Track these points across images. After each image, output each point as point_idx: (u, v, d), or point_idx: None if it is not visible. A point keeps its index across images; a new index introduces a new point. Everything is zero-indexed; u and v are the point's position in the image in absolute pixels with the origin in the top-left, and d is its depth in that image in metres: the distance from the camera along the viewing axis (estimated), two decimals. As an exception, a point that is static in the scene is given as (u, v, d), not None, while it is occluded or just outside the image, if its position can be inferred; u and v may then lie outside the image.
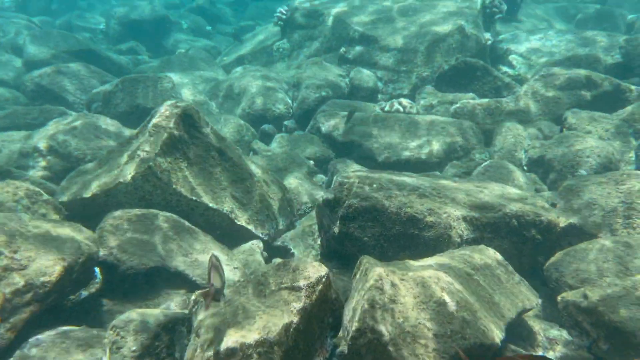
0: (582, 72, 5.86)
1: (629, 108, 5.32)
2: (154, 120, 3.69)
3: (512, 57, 7.76)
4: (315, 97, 6.80)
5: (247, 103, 6.75)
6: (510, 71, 7.63)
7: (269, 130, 6.58)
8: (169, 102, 3.82)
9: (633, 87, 5.77)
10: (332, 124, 6.02)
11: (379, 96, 7.29)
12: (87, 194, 3.50)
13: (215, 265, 2.38)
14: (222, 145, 4.07)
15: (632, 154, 4.67)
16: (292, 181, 5.11)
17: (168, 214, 3.57)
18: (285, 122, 6.75)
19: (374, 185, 3.88)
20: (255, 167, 4.45)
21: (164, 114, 3.73)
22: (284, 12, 8.39)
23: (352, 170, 4.29)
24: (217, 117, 6.17)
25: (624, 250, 3.13)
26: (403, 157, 5.43)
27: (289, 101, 7.00)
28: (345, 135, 5.85)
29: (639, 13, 9.14)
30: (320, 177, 5.65)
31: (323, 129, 6.04)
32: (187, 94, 6.63)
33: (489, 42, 7.36)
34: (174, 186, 3.65)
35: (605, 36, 7.55)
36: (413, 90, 7.04)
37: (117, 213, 3.35)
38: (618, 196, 3.59)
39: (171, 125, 3.67)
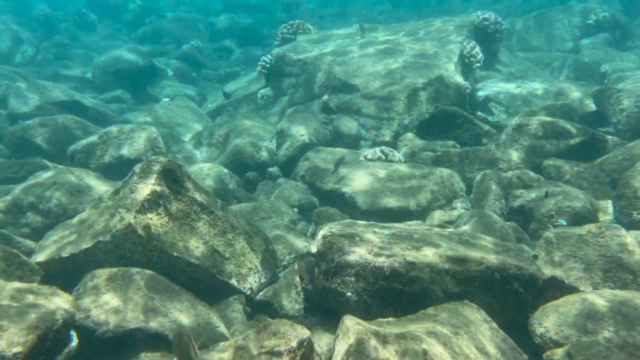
0: (558, 121, 6.04)
1: (604, 157, 5.46)
2: (135, 177, 3.68)
3: (491, 105, 7.99)
4: (299, 144, 6.87)
5: (230, 150, 6.79)
6: (489, 118, 7.82)
7: (252, 178, 6.60)
8: (151, 158, 3.82)
9: (608, 136, 5.95)
10: (315, 172, 6.06)
11: (362, 142, 7.40)
12: (65, 254, 3.44)
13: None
14: (204, 198, 4.06)
15: (609, 204, 4.76)
16: (275, 231, 5.09)
17: (148, 272, 3.51)
18: (269, 169, 6.78)
19: (356, 239, 3.87)
20: (237, 219, 4.42)
21: (145, 170, 3.72)
22: (268, 60, 8.58)
23: (335, 222, 4.29)
24: (200, 166, 6.18)
25: (606, 305, 3.14)
26: (387, 205, 5.45)
27: (273, 148, 7.06)
28: (329, 184, 5.89)
29: (612, 63, 9.53)
30: (304, 225, 5.65)
31: (306, 177, 6.08)
32: (170, 144, 6.65)
33: (468, 91, 7.57)
34: (154, 243, 3.60)
35: (579, 85, 7.83)
36: (395, 137, 7.17)
37: (96, 272, 3.28)
38: (597, 249, 3.63)
39: (152, 181, 3.66)
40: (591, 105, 7.06)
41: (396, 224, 4.63)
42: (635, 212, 4.23)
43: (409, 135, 7.03)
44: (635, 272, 3.41)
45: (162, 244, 3.60)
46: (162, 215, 3.70)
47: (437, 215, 5.23)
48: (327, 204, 5.87)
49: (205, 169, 6.03)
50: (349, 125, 7.34)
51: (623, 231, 3.67)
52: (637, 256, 3.48)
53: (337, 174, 6.05)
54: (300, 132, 7.02)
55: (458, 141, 6.79)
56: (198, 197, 4.00)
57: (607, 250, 3.58)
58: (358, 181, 5.79)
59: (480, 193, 5.51)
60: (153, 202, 3.66)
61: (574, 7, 12.18)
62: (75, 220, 3.93)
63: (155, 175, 3.73)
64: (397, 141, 7.08)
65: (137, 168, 3.87)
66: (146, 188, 3.64)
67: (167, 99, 8.66)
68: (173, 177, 3.79)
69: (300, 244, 4.93)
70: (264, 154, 6.85)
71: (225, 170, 6.20)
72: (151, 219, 3.62)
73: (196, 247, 3.75)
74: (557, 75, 10.09)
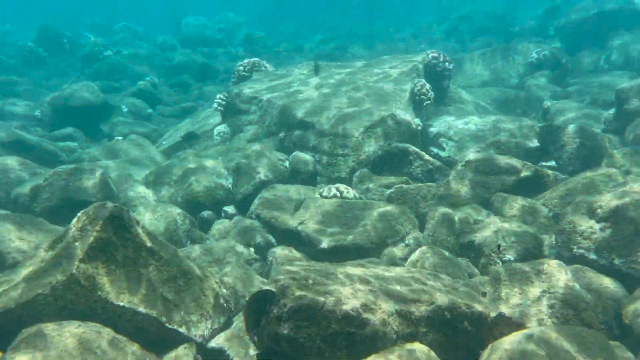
0: (504, 157, 6.30)
1: (547, 192, 5.72)
2: (79, 224, 3.56)
3: (441, 140, 8.25)
4: (255, 182, 6.86)
5: (185, 189, 6.70)
6: (441, 154, 8.07)
7: (208, 217, 6.51)
8: (96, 204, 3.72)
9: (550, 172, 6.25)
10: (271, 210, 6.04)
11: (319, 178, 7.46)
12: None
13: None
14: (153, 243, 3.97)
15: (552, 239, 4.96)
16: (229, 273, 5.00)
17: (91, 324, 3.36)
18: (225, 208, 6.71)
19: (309, 281, 3.86)
20: (189, 262, 4.33)
21: (90, 216, 3.62)
22: (224, 97, 8.61)
23: (289, 265, 4.27)
24: (153, 207, 6.05)
25: (549, 342, 3.23)
26: (342, 243, 5.47)
27: (229, 186, 7.01)
28: (285, 222, 5.87)
29: (554, 100, 10.10)
30: (260, 266, 5.58)
31: (262, 215, 6.05)
32: (122, 183, 6.50)
33: (419, 127, 7.81)
34: (99, 293, 3.47)
35: (524, 121, 8.23)
36: (351, 174, 7.27)
37: (32, 329, 3.11)
38: (541, 285, 3.76)
39: (97, 228, 3.55)
40: (534, 141, 7.41)
41: (349, 264, 4.65)
42: (575, 247, 4.42)
43: (364, 171, 7.15)
44: (575, 307, 3.54)
45: (107, 294, 3.48)
46: (108, 264, 3.58)
47: (391, 253, 5.29)
48: (284, 243, 5.84)
49: (157, 210, 5.90)
50: (305, 162, 7.40)
51: (563, 266, 3.82)
52: (575, 291, 3.62)
53: (294, 211, 6.06)
54: (257, 169, 7.02)
55: (411, 177, 6.95)
56: (147, 242, 3.91)
57: (549, 286, 3.71)
58: (313, 219, 5.81)
59: (432, 229, 5.63)
60: (98, 250, 3.54)
61: (518, 45, 12.91)
62: (14, 270, 3.74)
63: (101, 222, 3.62)
64: (353, 177, 7.19)
65: (81, 213, 3.75)
66: (90, 235, 3.52)
67: (119, 137, 8.51)
68: (120, 223, 3.69)
69: (255, 284, 4.86)
70: (220, 193, 6.79)
71: (179, 210, 6.10)
72: (96, 267, 3.49)
73: (144, 295, 3.64)
74: (505, 111, 10.56)
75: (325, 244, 5.41)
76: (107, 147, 8.02)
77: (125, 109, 10.33)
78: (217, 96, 8.67)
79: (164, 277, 3.88)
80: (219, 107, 8.60)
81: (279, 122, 8.10)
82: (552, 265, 3.86)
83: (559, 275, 3.82)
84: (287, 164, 7.41)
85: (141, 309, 3.62)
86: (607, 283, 4.00)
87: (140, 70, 14.03)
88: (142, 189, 6.64)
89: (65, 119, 9.33)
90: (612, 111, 7.82)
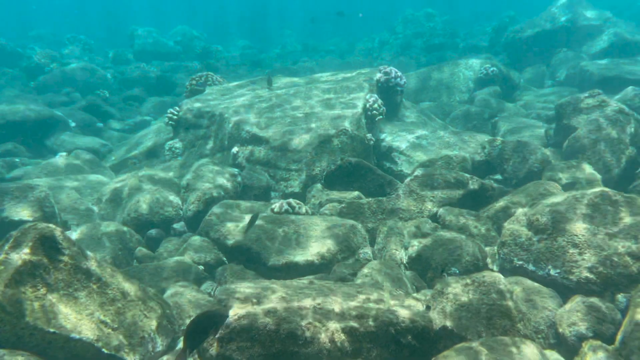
0: (451, 172, 6.45)
1: (491, 205, 5.88)
2: (6, 246, 3.38)
3: (394, 155, 8.38)
4: (206, 198, 6.74)
5: (132, 207, 6.50)
6: (393, 167, 8.19)
7: (156, 235, 6.33)
8: (26, 225, 3.55)
9: (495, 185, 6.44)
10: (222, 227, 5.94)
11: (272, 194, 7.42)
12: None
13: None
14: (90, 264, 3.81)
15: (495, 251, 5.08)
16: (176, 292, 4.87)
17: (18, 353, 3.18)
18: (174, 225, 6.56)
19: (254, 300, 3.80)
20: (129, 284, 4.18)
21: (19, 238, 3.44)
22: (175, 112, 8.47)
23: (234, 283, 4.20)
24: (96, 225, 5.84)
25: (488, 355, 3.29)
26: (293, 260, 5.43)
27: (179, 203, 6.86)
28: (235, 240, 5.78)
29: (500, 114, 10.46)
30: (209, 284, 5.46)
31: (211, 233, 5.94)
32: (65, 201, 6.25)
33: (372, 142, 7.91)
34: (27, 319, 3.29)
35: (472, 135, 8.47)
36: (304, 188, 7.27)
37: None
38: (480, 298, 3.83)
39: (26, 250, 3.39)
40: (482, 155, 7.63)
41: (296, 281, 4.62)
42: (515, 259, 4.55)
43: (317, 186, 7.17)
44: (512, 319, 3.63)
45: (36, 320, 3.30)
46: (38, 288, 3.41)
47: (340, 268, 5.29)
48: (235, 260, 5.74)
49: (101, 228, 5.70)
50: (258, 177, 7.34)
51: (502, 279, 3.91)
52: (513, 302, 3.72)
53: (247, 228, 5.96)
54: (208, 185, 6.91)
55: (363, 191, 7.01)
56: (83, 264, 3.75)
57: (488, 298, 3.79)
58: (264, 235, 5.75)
59: (382, 243, 5.68)
60: (26, 274, 3.37)
61: (468, 61, 13.33)
62: None
63: (30, 244, 3.45)
64: (306, 192, 7.18)
65: (10, 236, 3.57)
66: (18, 258, 3.35)
67: (64, 153, 8.20)
68: (52, 245, 3.53)
69: (202, 305, 4.74)
70: (169, 209, 6.63)
71: (125, 229, 5.91)
72: (24, 292, 3.32)
73: (78, 319, 3.48)
74: (455, 125, 10.85)
75: (273, 260, 5.35)
76: (50, 163, 7.70)
77: (72, 124, 9.98)
78: (169, 111, 8.52)
79: (101, 301, 3.73)
80: (170, 122, 8.44)
81: (231, 137, 8.02)
82: (491, 278, 3.95)
83: (496, 287, 3.91)
84: (239, 179, 7.33)
85: (75, 334, 3.46)
86: (544, 293, 4.13)
87: (91, 84, 13.62)
88: (86, 206, 6.40)
89: (4, 135, 8.91)
90: (553, 125, 8.16)
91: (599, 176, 5.97)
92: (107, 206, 6.67)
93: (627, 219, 4.16)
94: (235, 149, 7.88)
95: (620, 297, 3.79)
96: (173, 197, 6.83)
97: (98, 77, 14.06)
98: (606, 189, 4.48)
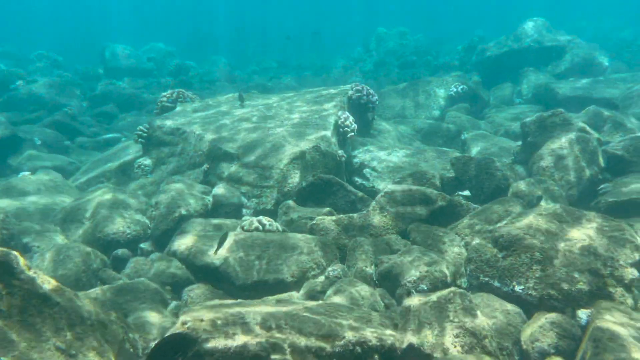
0: (420, 188, 6.52)
1: (459, 222, 5.96)
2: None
3: (365, 171, 8.45)
4: (175, 217, 6.65)
5: (98, 226, 6.35)
6: (365, 184, 8.25)
7: (122, 255, 6.19)
8: (-19, 249, 3.43)
9: (463, 201, 6.53)
10: (190, 246, 5.85)
11: (244, 211, 7.36)
12: None
13: None
14: (47, 289, 3.69)
15: (463, 268, 5.13)
16: (141, 314, 4.76)
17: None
18: (141, 245, 6.43)
19: (218, 322, 3.74)
20: (90, 307, 4.07)
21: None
22: (145, 129, 8.37)
23: (199, 305, 4.13)
24: (58, 247, 5.68)
25: (453, 373, 3.30)
26: (262, 278, 5.38)
27: (147, 222, 6.74)
28: (202, 258, 5.70)
29: (469, 130, 10.67)
30: (176, 305, 5.35)
31: (179, 252, 5.84)
32: (26, 223, 6.06)
33: (343, 159, 7.95)
34: (-22, 347, 3.16)
35: (442, 152, 8.61)
36: (276, 205, 7.24)
37: None
38: (447, 315, 3.86)
39: (-21, 275, 3.26)
40: (451, 172, 7.75)
41: (264, 300, 4.58)
42: (481, 275, 4.60)
43: (289, 202, 7.15)
44: (477, 336, 3.66)
45: (-12, 348, 3.17)
46: (-9, 314, 3.28)
47: (310, 286, 5.26)
48: (203, 280, 5.65)
49: (64, 250, 5.54)
50: (229, 194, 7.29)
51: (468, 296, 3.95)
52: (479, 319, 3.75)
53: (218, 247, 5.89)
54: (177, 203, 6.82)
55: (335, 207, 7.03)
56: (39, 288, 3.63)
57: (454, 315, 3.81)
58: (233, 254, 5.68)
59: (352, 260, 5.68)
60: (-21, 300, 3.24)
61: (439, 79, 13.62)
62: None
63: (-16, 269, 3.33)
64: (278, 209, 7.15)
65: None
66: (-30, 284, 3.22)
67: (26, 172, 7.97)
68: (4, 269, 3.41)
69: (168, 326, 4.64)
70: (137, 229, 6.50)
71: (88, 249, 5.76)
72: (-25, 319, 3.19)
73: (31, 347, 3.35)
74: (427, 142, 11.02)
75: (241, 280, 5.29)
76: (11, 183, 7.46)
77: (38, 142, 9.74)
78: (138, 128, 8.42)
79: (59, 326, 3.61)
80: (139, 140, 8.33)
81: (202, 154, 7.97)
82: (458, 295, 3.99)
83: (462, 303, 3.94)
84: (210, 196, 7.26)
85: (30, 362, 3.33)
86: (509, 309, 4.18)
87: (59, 101, 13.37)
88: (48, 227, 6.22)
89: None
90: (520, 143, 8.36)
91: (562, 193, 6.12)
92: (71, 226, 6.50)
93: (586, 236, 4.26)
94: (206, 166, 7.83)
95: (580, 313, 3.87)
96: (140, 216, 6.71)
97: (67, 94, 13.80)
98: (565, 207, 4.59)
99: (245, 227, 6.25)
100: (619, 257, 4.07)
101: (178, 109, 9.41)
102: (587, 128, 6.91)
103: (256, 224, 6.23)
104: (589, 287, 3.97)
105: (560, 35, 15.94)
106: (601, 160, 6.63)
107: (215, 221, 6.71)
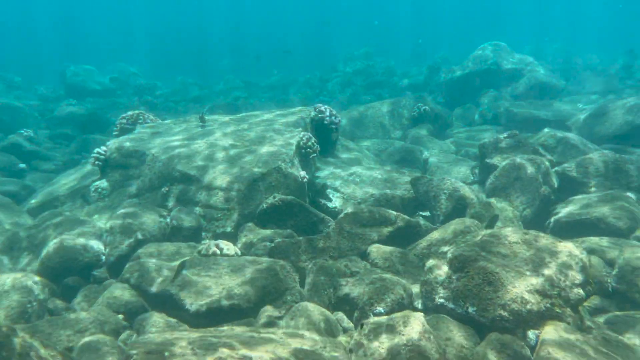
0: (380, 209, 6.55)
1: (417, 243, 6.00)
2: None
3: (329, 192, 8.44)
4: (130, 242, 6.48)
5: (47, 254, 6.10)
6: (329, 205, 8.24)
7: (73, 284, 5.96)
8: None
9: (422, 222, 6.60)
10: (146, 273, 5.68)
11: (204, 234, 7.23)
12: None
13: None
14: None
15: (418, 289, 5.14)
16: (88, 346, 4.55)
17: None
18: (95, 272, 6.21)
19: (165, 354, 3.62)
20: (33, 342, 3.87)
21: None
22: (102, 151, 8.18)
23: (147, 336, 3.99)
24: (3, 278, 5.41)
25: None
26: (218, 305, 5.25)
27: (101, 247, 6.53)
28: (158, 286, 5.54)
29: (431, 151, 10.84)
30: (127, 335, 5.16)
31: (132, 280, 5.67)
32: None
33: (305, 180, 7.94)
34: None
35: (404, 173, 8.70)
36: (236, 228, 7.15)
37: None
38: (401, 338, 3.83)
39: None
40: (411, 192, 7.83)
41: (220, 329, 4.47)
42: (436, 297, 4.61)
43: (249, 225, 7.07)
44: (429, 358, 3.64)
45: None
46: None
47: (267, 312, 5.16)
48: (156, 308, 5.48)
49: (7, 282, 5.28)
50: (187, 217, 7.15)
51: (419, 318, 3.95)
52: (429, 343, 3.75)
53: (176, 275, 5.74)
54: (133, 227, 6.65)
55: (296, 229, 6.98)
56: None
57: (408, 338, 3.80)
58: (190, 280, 5.54)
59: (311, 284, 5.62)
60: None
61: (402, 100, 13.86)
62: None
63: None
64: (238, 232, 7.05)
65: None
66: None
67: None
68: None
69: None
70: (88, 255, 6.28)
71: (36, 279, 5.52)
72: None
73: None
74: (390, 162, 11.14)
75: (196, 307, 5.15)
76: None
77: (-12, 166, 9.39)
78: (95, 150, 8.22)
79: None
80: (96, 162, 8.13)
81: (161, 177, 7.82)
82: (411, 318, 3.98)
83: (416, 327, 3.94)
84: (168, 220, 7.11)
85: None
86: (463, 331, 4.19)
87: (15, 123, 12.94)
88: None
89: None
90: (478, 163, 8.54)
91: (517, 213, 6.25)
92: (18, 254, 6.23)
93: (531, 255, 4.34)
94: (165, 189, 7.68)
95: (530, 333, 3.92)
96: (94, 242, 6.50)
97: (23, 116, 13.38)
98: (517, 228, 4.67)
99: (202, 252, 6.13)
100: (566, 277, 4.15)
101: (137, 130, 9.25)
102: (540, 150, 7.11)
103: (213, 248, 6.11)
104: (537, 307, 4.02)
105: (519, 58, 16.54)
106: (554, 181, 6.82)
107: (173, 246, 6.56)
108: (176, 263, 5.89)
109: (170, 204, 7.49)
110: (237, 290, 5.35)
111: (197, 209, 7.33)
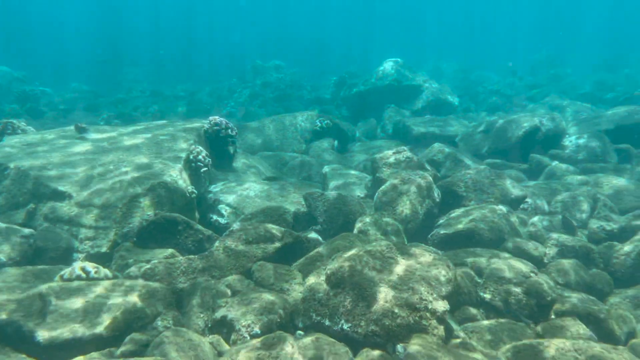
0: (267, 225, 6.32)
1: (304, 259, 5.84)
2: None
3: (220, 207, 8.08)
4: (-19, 268, 5.65)
5: None
6: (220, 220, 7.87)
7: None
8: None
9: (314, 235, 6.46)
10: (-10, 303, 4.96)
11: (75, 255, 6.55)
12: None
13: None
14: None
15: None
16: None
17: None
18: None
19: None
20: None
21: None
22: (-44, 165, 7.18)
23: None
24: None
25: None
26: (75, 336, 4.68)
27: (-56, 275, 5.64)
28: (4, 315, 4.84)
29: (331, 165, 10.86)
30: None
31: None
32: None
33: (194, 195, 7.52)
34: None
35: (303, 186, 8.56)
36: (112, 248, 6.56)
37: None
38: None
39: None
40: (305, 206, 7.70)
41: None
42: (314, 314, 4.44)
43: (126, 245, 6.51)
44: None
45: None
46: None
47: (132, 342, 4.69)
48: (3, 340, 4.79)
49: None
50: (54, 237, 6.44)
51: (292, 340, 3.74)
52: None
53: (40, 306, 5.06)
54: (-14, 250, 5.83)
55: (180, 248, 6.54)
56: None
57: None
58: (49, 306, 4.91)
59: (187, 307, 5.23)
60: None
61: (305, 113, 13.85)
62: None
63: None
64: (114, 251, 6.47)
65: None
66: None
67: None
68: None
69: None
70: None
71: None
72: None
73: None
74: (291, 175, 11.00)
75: (48, 340, 4.55)
76: None
77: None
78: (-53, 162, 7.18)
79: None
80: (-52, 176, 7.10)
81: (27, 193, 7.02)
82: (284, 339, 3.77)
83: (288, 349, 3.73)
84: (32, 240, 6.35)
85: None
86: (338, 348, 4.04)
87: None
88: None
89: None
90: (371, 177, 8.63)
91: (401, 227, 6.32)
92: None
93: (407, 271, 4.33)
94: (32, 205, 6.89)
95: (399, 347, 3.86)
96: None
97: None
98: (395, 242, 4.66)
99: (65, 277, 5.49)
100: (433, 290, 4.17)
101: (5, 141, 8.29)
102: (426, 165, 7.31)
103: (78, 272, 5.50)
104: (406, 321, 3.99)
105: (418, 75, 17.31)
106: (436, 195, 7.01)
107: (35, 270, 5.85)
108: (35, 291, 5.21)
109: (36, 223, 6.72)
110: (100, 318, 4.82)
111: (68, 228, 6.64)
